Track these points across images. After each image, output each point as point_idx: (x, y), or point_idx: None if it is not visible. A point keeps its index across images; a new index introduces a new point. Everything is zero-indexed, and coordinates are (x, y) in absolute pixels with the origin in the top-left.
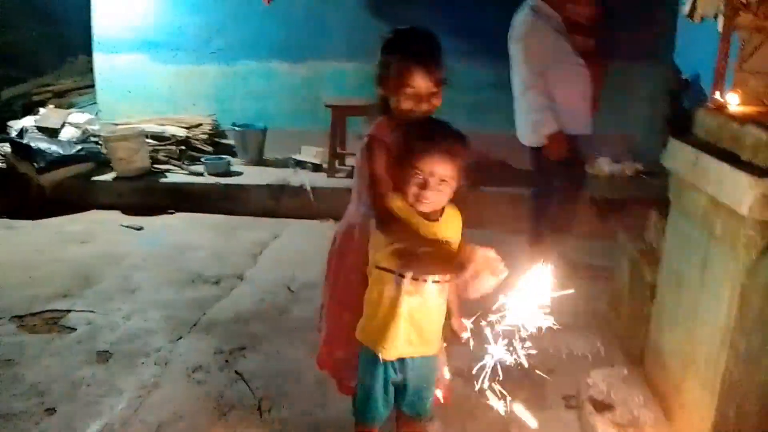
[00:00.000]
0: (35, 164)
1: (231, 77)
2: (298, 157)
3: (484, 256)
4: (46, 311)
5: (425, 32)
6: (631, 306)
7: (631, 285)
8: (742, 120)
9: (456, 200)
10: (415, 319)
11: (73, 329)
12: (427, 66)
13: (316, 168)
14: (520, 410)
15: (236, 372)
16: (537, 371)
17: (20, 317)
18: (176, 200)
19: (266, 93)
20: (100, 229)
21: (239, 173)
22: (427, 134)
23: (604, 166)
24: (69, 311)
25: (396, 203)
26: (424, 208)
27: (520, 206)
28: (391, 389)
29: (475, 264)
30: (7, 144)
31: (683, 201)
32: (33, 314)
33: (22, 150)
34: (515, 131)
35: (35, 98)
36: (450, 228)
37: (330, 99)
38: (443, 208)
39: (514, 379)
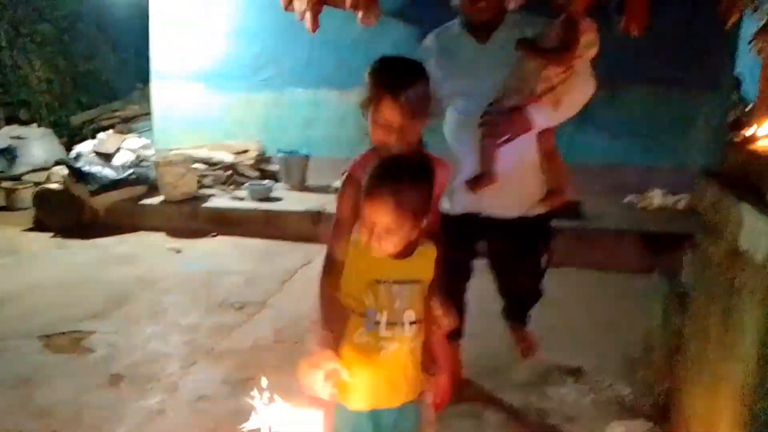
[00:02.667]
0: (88, 187)
1: (279, 105)
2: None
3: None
4: (73, 332)
5: (405, 61)
6: (661, 353)
7: (662, 330)
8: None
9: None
10: (389, 367)
11: (94, 350)
12: (396, 96)
13: None
14: None
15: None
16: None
17: (48, 336)
18: (219, 224)
19: (313, 120)
20: (143, 251)
21: (280, 199)
22: (377, 178)
23: (655, 198)
24: (94, 332)
25: (359, 240)
26: (375, 254)
27: (560, 239)
28: None
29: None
30: (64, 167)
31: (707, 244)
32: (61, 333)
33: (77, 173)
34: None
35: (104, 123)
36: (420, 266)
37: None
38: (416, 243)
39: (529, 425)
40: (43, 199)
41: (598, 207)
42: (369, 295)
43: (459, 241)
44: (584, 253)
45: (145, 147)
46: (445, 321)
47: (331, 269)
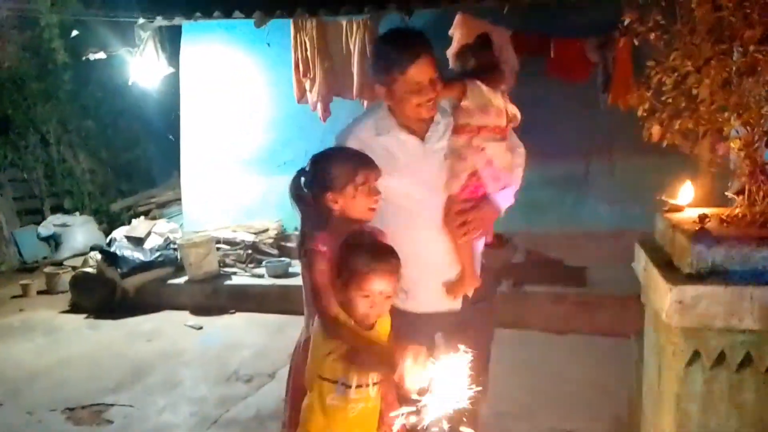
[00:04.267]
0: (119, 270)
1: None
2: None
3: (412, 350)
4: (95, 404)
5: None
6: (638, 414)
7: (637, 391)
8: (675, 225)
9: None
10: (358, 424)
11: (111, 422)
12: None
13: None
14: None
15: None
16: None
17: (71, 409)
18: (238, 301)
19: None
20: (165, 329)
21: (298, 274)
22: (369, 256)
23: None
24: (113, 405)
25: (337, 313)
26: (372, 320)
27: (565, 305)
28: None
29: (404, 359)
30: (98, 252)
31: (647, 307)
32: (83, 407)
33: (110, 257)
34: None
35: (141, 209)
36: (381, 334)
37: None
38: None
39: None
40: (79, 282)
41: (605, 273)
42: (341, 364)
43: (423, 339)
44: (588, 319)
45: (173, 231)
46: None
47: (338, 325)
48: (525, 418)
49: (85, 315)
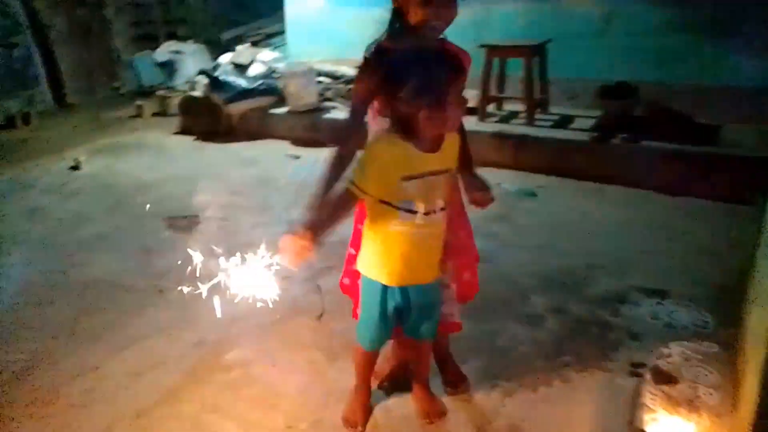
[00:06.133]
0: (223, 95)
1: None
2: None
3: None
4: (193, 216)
5: None
6: (750, 283)
7: (753, 258)
8: None
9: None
10: (421, 248)
11: (206, 232)
12: None
13: (471, 111)
14: None
15: (317, 285)
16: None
17: (172, 218)
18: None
19: None
20: (265, 156)
21: None
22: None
23: None
24: (210, 218)
25: (385, 137)
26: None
27: (684, 165)
28: (393, 315)
29: None
30: (205, 76)
31: None
32: (183, 216)
33: (214, 82)
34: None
35: (251, 39)
36: (448, 157)
37: (487, 40)
38: (443, 137)
39: (587, 336)
40: (186, 105)
41: (740, 133)
42: (406, 189)
43: None
44: (709, 182)
45: (276, 60)
46: (488, 196)
47: (343, 158)
48: (615, 273)
49: (193, 138)
